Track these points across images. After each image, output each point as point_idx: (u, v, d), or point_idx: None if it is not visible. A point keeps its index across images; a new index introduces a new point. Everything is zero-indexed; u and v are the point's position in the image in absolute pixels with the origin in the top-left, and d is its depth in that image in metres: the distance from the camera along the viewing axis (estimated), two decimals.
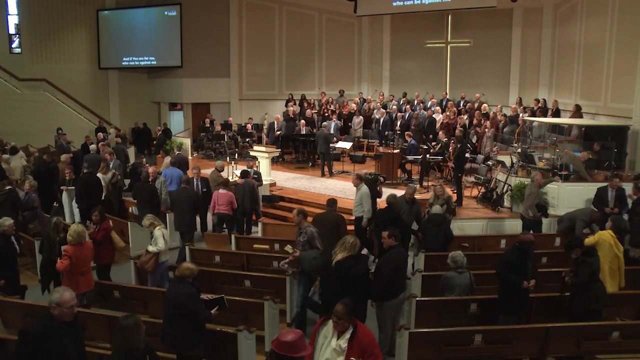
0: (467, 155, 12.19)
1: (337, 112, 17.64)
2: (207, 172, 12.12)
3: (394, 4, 18.13)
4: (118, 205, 11.02)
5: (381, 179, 10.29)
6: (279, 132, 16.49)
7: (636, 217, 8.42)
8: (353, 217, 9.80)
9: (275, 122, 16.89)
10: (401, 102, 17.77)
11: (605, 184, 9.57)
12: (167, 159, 12.32)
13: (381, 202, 9.90)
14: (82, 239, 6.37)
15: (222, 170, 11.07)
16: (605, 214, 8.76)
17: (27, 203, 9.26)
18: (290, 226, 10.63)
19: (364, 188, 9.19)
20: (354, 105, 18.13)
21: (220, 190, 9.75)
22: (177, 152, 13.35)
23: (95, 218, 7.42)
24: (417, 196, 10.00)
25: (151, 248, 7.25)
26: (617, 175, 9.58)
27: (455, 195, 11.51)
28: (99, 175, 10.78)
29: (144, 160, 14.65)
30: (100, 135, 15.57)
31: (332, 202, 8.20)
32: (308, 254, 6.58)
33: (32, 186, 9.58)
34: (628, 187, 9.32)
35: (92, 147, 13.38)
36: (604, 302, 6.00)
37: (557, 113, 14.70)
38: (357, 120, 17.36)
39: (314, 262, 6.47)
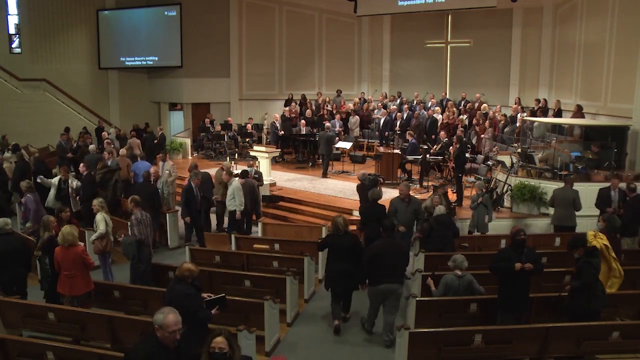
0: (467, 155, 12.19)
1: (336, 112, 17.62)
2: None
3: (395, 3, 18.12)
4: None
5: (381, 179, 10.28)
6: (281, 133, 16.48)
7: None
8: (352, 217, 9.79)
9: (276, 122, 16.89)
10: (398, 101, 17.74)
11: (607, 184, 9.57)
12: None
13: (382, 202, 9.88)
14: (66, 242, 6.32)
15: None
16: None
17: (25, 204, 9.24)
18: (290, 226, 10.68)
19: (235, 183, 10.03)
20: (351, 105, 18.11)
21: None
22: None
23: (65, 215, 7.71)
24: (418, 196, 10.00)
25: (95, 235, 7.72)
26: (617, 175, 9.58)
27: (456, 195, 11.53)
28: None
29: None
30: (105, 134, 15.53)
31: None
32: (125, 240, 7.54)
33: (25, 187, 9.45)
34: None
35: (91, 147, 13.35)
36: (604, 303, 5.99)
37: (559, 113, 14.68)
38: (353, 120, 17.34)
39: (128, 248, 7.43)
